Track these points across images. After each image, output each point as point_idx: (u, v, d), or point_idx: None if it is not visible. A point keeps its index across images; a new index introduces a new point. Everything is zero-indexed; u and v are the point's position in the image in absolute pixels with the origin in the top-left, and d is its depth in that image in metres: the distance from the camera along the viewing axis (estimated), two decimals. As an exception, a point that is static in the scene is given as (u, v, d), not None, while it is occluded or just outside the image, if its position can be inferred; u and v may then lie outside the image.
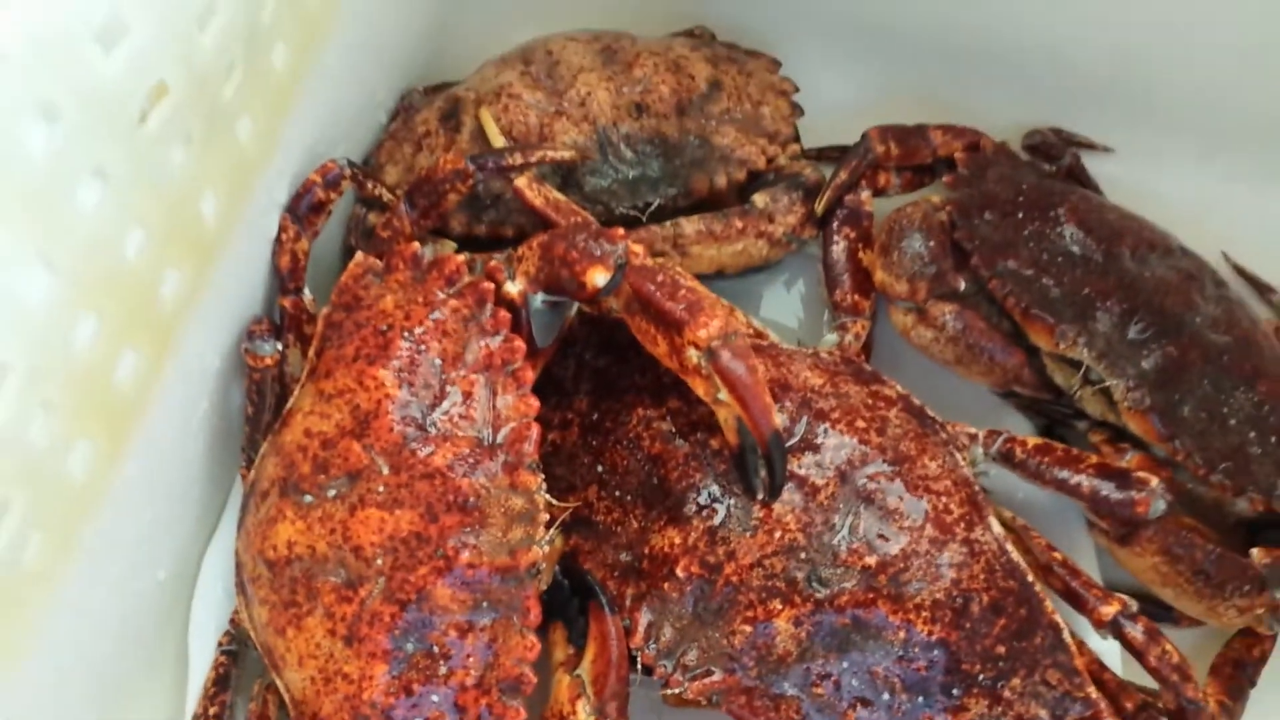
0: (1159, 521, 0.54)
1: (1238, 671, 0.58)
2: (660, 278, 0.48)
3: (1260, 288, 0.68)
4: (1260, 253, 0.70)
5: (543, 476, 0.50)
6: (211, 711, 0.53)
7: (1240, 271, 0.69)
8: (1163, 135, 0.70)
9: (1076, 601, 0.54)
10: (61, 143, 0.41)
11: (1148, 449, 0.57)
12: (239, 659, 0.54)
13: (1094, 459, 0.54)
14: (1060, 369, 0.57)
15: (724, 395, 0.48)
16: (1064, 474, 0.54)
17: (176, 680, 0.55)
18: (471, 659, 0.48)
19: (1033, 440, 0.55)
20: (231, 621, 0.54)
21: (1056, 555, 0.54)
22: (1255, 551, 0.55)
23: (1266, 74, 0.66)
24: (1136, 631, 0.52)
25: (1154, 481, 0.53)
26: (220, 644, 0.54)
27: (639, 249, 0.49)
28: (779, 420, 0.48)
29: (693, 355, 0.48)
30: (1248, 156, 0.70)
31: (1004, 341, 0.57)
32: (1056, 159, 0.68)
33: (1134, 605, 0.53)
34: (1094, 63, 0.69)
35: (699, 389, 0.49)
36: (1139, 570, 0.56)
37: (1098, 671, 0.52)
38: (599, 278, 0.49)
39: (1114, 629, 0.52)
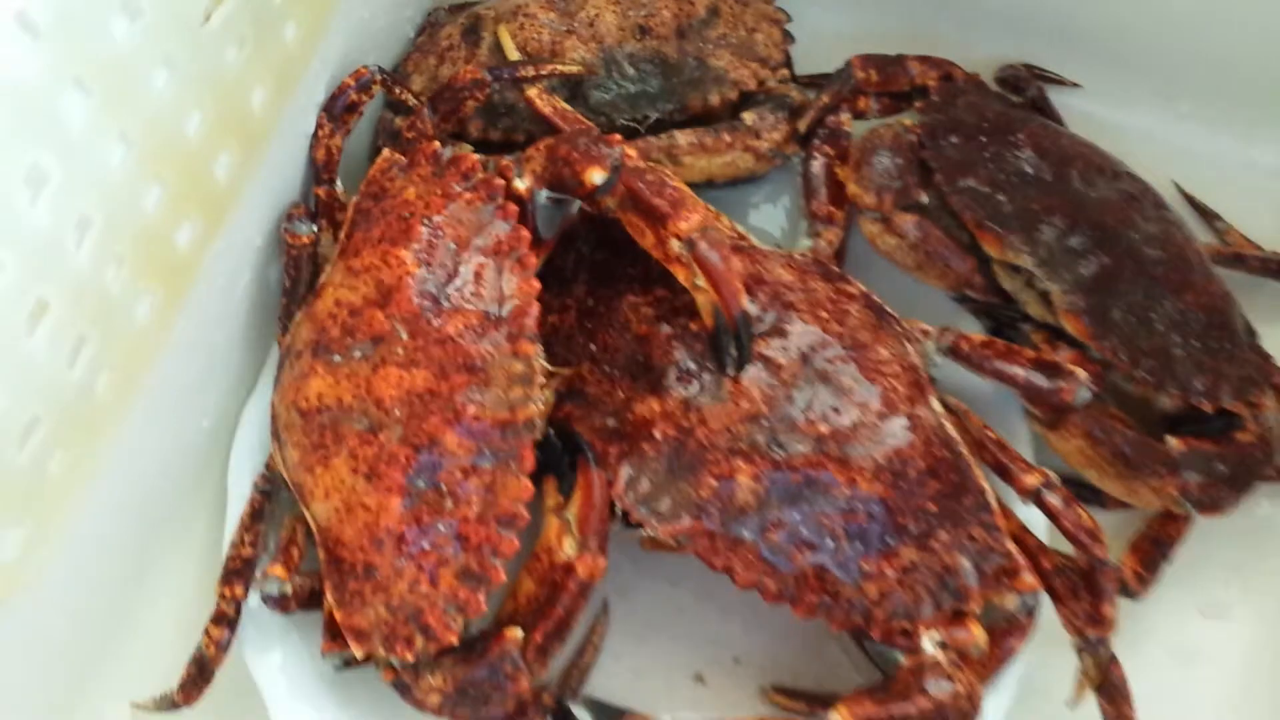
0: (1084, 409, 0.61)
1: (1154, 548, 0.65)
2: (650, 178, 0.54)
3: (1206, 214, 0.74)
4: (1208, 186, 0.75)
5: (540, 346, 0.56)
6: (247, 539, 0.59)
7: (1188, 199, 0.75)
8: (1127, 76, 0.76)
9: (1005, 473, 0.60)
10: (140, 36, 0.48)
11: (1083, 349, 0.62)
12: (271, 497, 0.61)
13: (1031, 353, 0.61)
14: (1007, 275, 0.64)
15: (701, 281, 0.54)
16: (1003, 365, 0.60)
17: (216, 515, 0.63)
18: (473, 497, 0.54)
19: (979, 337, 0.62)
20: (266, 465, 0.61)
21: (990, 434, 0.61)
22: (1169, 439, 0.61)
23: (1221, 25, 0.71)
24: (1055, 499, 0.59)
25: (1080, 372, 0.60)
26: (255, 484, 0.61)
27: (633, 152, 0.55)
28: (747, 304, 0.54)
29: (675, 245, 0.54)
30: (1203, 100, 0.76)
31: (959, 249, 0.64)
32: (1024, 92, 0.74)
33: (1055, 478, 0.59)
34: (1069, 6, 0.74)
35: (680, 276, 0.55)
36: (1066, 453, 0.62)
37: (1021, 534, 0.59)
38: (597, 176, 0.55)
39: (1035, 497, 0.59)
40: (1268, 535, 0.68)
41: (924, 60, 0.71)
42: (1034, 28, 0.75)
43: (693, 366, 0.57)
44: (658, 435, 0.56)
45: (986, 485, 0.57)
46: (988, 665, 0.58)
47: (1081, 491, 0.64)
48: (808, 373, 0.56)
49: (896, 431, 0.56)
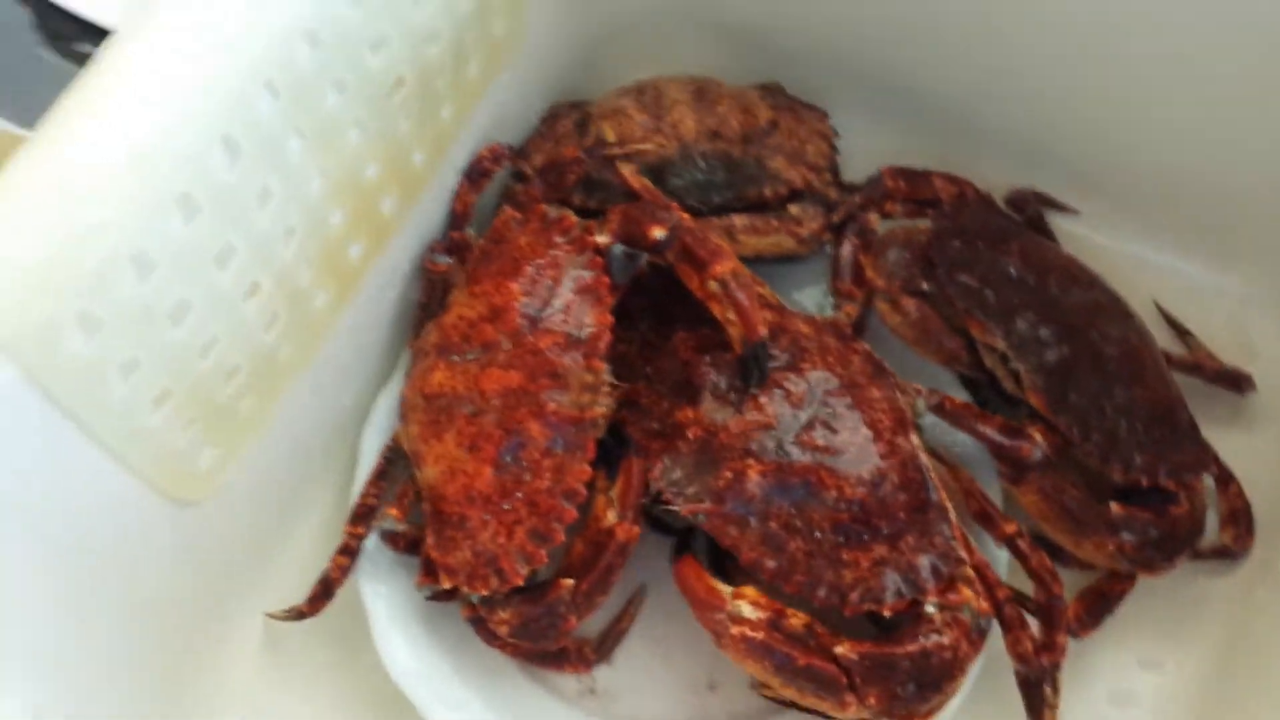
0: (1041, 472, 0.73)
1: (1099, 600, 0.75)
2: (698, 236, 0.69)
3: (1178, 329, 0.87)
4: (1183, 305, 0.88)
5: (608, 365, 0.71)
6: (371, 492, 0.73)
7: (1164, 314, 0.87)
8: (1119, 207, 0.89)
9: (986, 520, 0.72)
10: (344, 104, 0.64)
11: (1046, 423, 0.75)
12: (392, 463, 0.75)
13: (1000, 418, 0.74)
14: (988, 354, 0.77)
15: (731, 315, 0.69)
16: (977, 424, 0.74)
17: (348, 473, 0.76)
18: (546, 473, 0.68)
19: (960, 400, 0.75)
20: (392, 438, 0.75)
21: (977, 487, 0.73)
22: (1112, 505, 0.73)
23: (1200, 173, 0.84)
24: (1024, 545, 0.71)
25: (1037, 436, 0.73)
26: (382, 452, 0.75)
27: (687, 217, 0.70)
28: (764, 334, 0.69)
29: (712, 285, 0.69)
30: (1183, 232, 0.88)
31: (950, 330, 0.78)
32: (1025, 211, 0.88)
33: (1026, 530, 0.71)
34: (1074, 146, 0.87)
35: (715, 310, 0.70)
36: (1026, 506, 0.75)
37: (984, 569, 0.69)
38: (659, 233, 0.70)
39: (1009, 541, 0.71)
40: (1203, 605, 0.78)
41: (946, 177, 0.86)
42: (1044, 160, 0.89)
43: (723, 386, 0.72)
44: (690, 435, 0.70)
45: (950, 508, 0.70)
46: None
47: (1052, 553, 0.74)
48: (812, 400, 0.71)
49: (878, 452, 0.69)
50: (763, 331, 0.70)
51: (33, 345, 0.51)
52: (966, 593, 0.67)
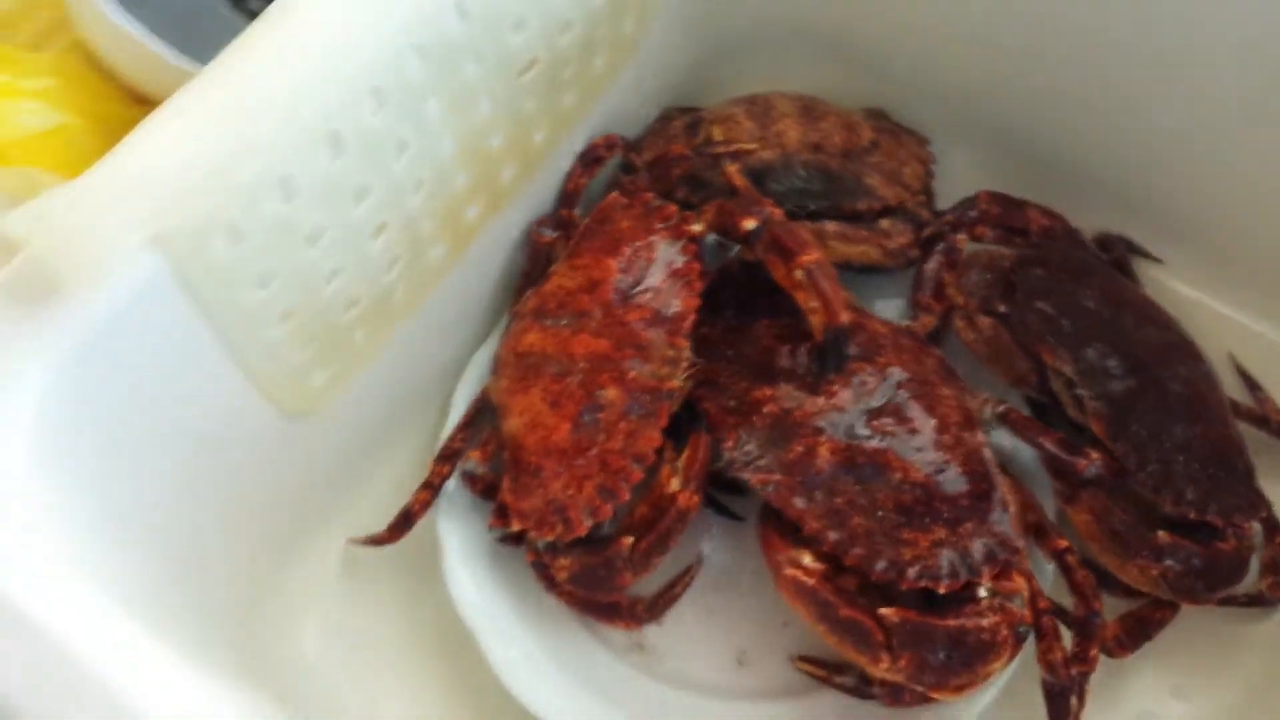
0: (1094, 492, 0.76)
1: (1139, 625, 0.77)
2: (787, 228, 0.74)
3: (1250, 382, 0.88)
4: (1259, 362, 0.89)
5: (690, 343, 0.75)
6: (459, 436, 0.78)
7: (1238, 368, 0.89)
8: (1204, 261, 0.90)
9: (1039, 532, 0.74)
10: (480, 75, 0.70)
11: (1105, 450, 0.77)
12: (480, 415, 0.78)
13: (1061, 435, 0.77)
14: (1056, 379, 0.80)
15: (814, 303, 0.73)
16: (1038, 436, 0.76)
17: (439, 418, 0.81)
18: (620, 435, 0.72)
19: (1024, 414, 0.78)
20: (482, 391, 0.79)
21: (1035, 501, 0.75)
22: (1160, 533, 0.74)
23: None
24: (1072, 560, 0.73)
25: (1094, 454, 0.75)
26: (472, 402, 0.79)
27: (779, 212, 0.75)
28: (845, 320, 0.72)
29: (798, 274, 0.72)
30: (1265, 291, 0.90)
31: (1021, 352, 0.81)
32: (1111, 251, 0.91)
33: (1076, 549, 0.74)
34: (1167, 194, 0.89)
35: (799, 298, 0.73)
36: (1077, 525, 0.76)
37: (1029, 578, 0.71)
38: (750, 225, 0.74)
39: (1059, 555, 0.73)
40: (1239, 645, 0.80)
41: (1041, 209, 0.89)
42: (1136, 208, 0.91)
43: (800, 371, 0.76)
44: (765, 412, 0.74)
45: (1011, 503, 0.72)
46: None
47: (1099, 577, 0.76)
48: (884, 389, 0.74)
49: (945, 443, 0.73)
50: (844, 318, 0.74)
51: (185, 244, 0.58)
52: (1020, 582, 0.70)
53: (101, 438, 0.58)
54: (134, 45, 0.74)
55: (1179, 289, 0.92)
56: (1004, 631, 0.68)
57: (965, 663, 0.67)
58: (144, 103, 0.60)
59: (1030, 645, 0.71)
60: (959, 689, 0.68)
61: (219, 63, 0.62)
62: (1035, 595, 0.73)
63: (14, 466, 0.52)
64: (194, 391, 0.64)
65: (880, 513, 0.71)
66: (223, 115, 0.59)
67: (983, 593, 0.69)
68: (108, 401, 0.58)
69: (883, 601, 0.69)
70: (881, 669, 0.68)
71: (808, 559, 0.70)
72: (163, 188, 0.57)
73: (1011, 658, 0.70)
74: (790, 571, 0.70)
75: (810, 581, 0.69)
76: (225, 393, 0.66)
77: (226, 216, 0.59)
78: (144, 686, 0.47)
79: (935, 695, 0.69)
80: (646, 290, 0.78)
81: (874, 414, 0.74)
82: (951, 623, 0.68)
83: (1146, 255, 0.93)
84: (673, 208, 0.82)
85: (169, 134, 0.58)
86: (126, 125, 0.59)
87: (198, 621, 0.63)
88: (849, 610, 0.68)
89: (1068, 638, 0.73)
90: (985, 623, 0.68)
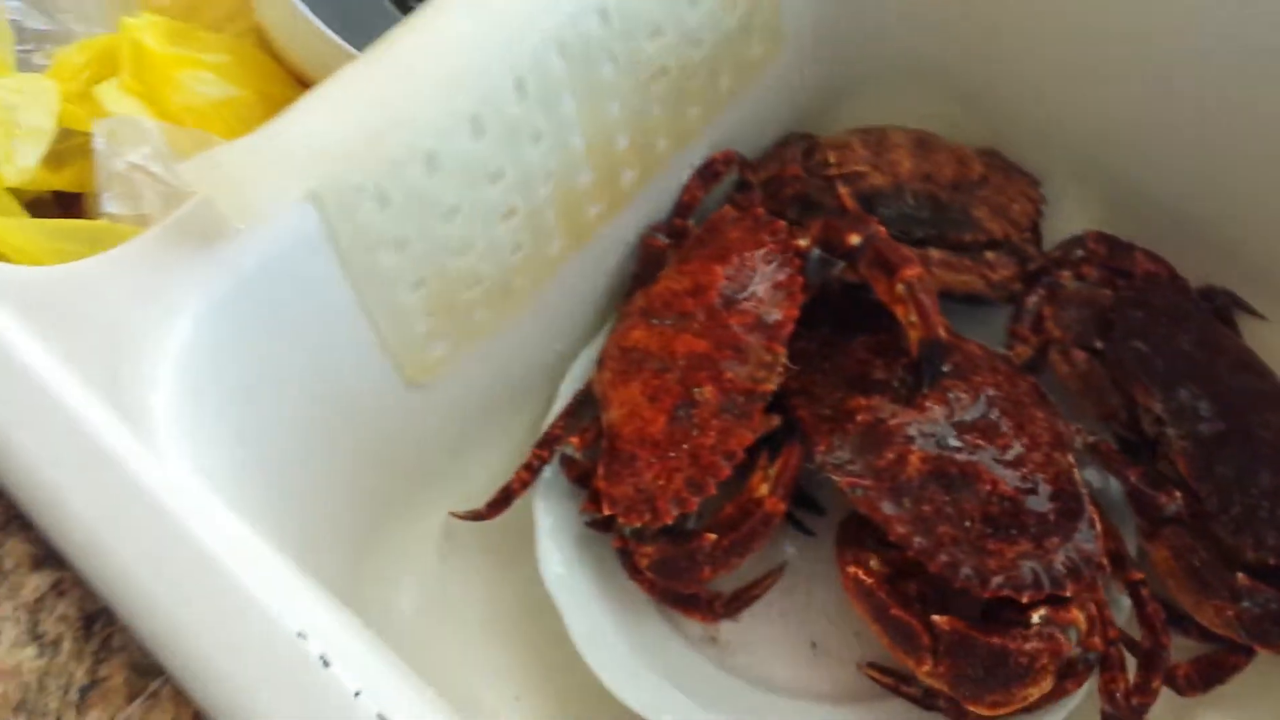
0: (1175, 530, 0.77)
1: (1212, 667, 0.77)
2: (891, 244, 0.77)
3: None
4: None
5: (786, 350, 0.79)
6: (560, 424, 0.81)
7: None
8: None
9: (1117, 561, 0.75)
10: (614, 77, 0.75)
11: (1190, 490, 0.78)
12: (582, 406, 0.82)
13: (1145, 469, 0.78)
14: (1146, 417, 0.81)
15: (913, 317, 0.75)
16: (1124, 469, 0.78)
17: (544, 406, 0.86)
18: (713, 432, 0.75)
19: (1112, 446, 0.80)
20: (586, 385, 0.83)
21: (1114, 528, 0.76)
22: (1239, 575, 0.75)
23: None
24: (1146, 593, 0.74)
25: (1176, 492, 0.77)
26: (577, 393, 0.83)
27: (882, 230, 0.78)
28: (943, 334, 0.75)
29: (899, 288, 0.74)
30: None
31: (1113, 388, 0.82)
32: (1214, 301, 0.91)
33: (1149, 583, 0.75)
34: (1273, 251, 0.90)
35: (899, 312, 0.75)
36: (1156, 562, 0.77)
37: (1103, 606, 0.73)
38: (855, 240, 0.77)
39: (1133, 586, 0.74)
40: None
41: (1147, 253, 0.90)
42: (1242, 261, 0.92)
43: (895, 385, 0.79)
44: (858, 420, 0.77)
45: (1098, 523, 0.74)
46: (1051, 694, 0.71)
47: (1172, 616, 0.77)
48: (978, 406, 0.77)
49: (1035, 460, 0.75)
50: (942, 332, 0.76)
51: (337, 202, 0.63)
52: (1078, 615, 0.71)
53: (245, 371, 0.64)
54: (306, 31, 0.81)
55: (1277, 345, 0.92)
56: (1044, 659, 0.69)
57: (1002, 681, 0.69)
58: (308, 86, 0.66)
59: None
60: (994, 705, 0.70)
61: (378, 47, 0.68)
62: (1106, 624, 0.74)
63: (166, 383, 0.58)
64: (329, 344, 0.70)
65: (967, 522, 0.73)
66: (379, 92, 0.65)
67: (1036, 619, 0.71)
68: (255, 338, 0.64)
69: (940, 612, 0.71)
70: (924, 671, 0.70)
71: (874, 562, 0.73)
72: (321, 150, 0.62)
73: (1080, 684, 0.72)
74: (853, 569, 0.73)
75: (869, 581, 0.72)
76: (355, 350, 0.72)
77: (375, 182, 0.64)
78: (260, 581, 0.51)
79: (972, 708, 0.71)
80: (750, 298, 0.82)
81: (966, 428, 0.76)
82: (995, 640, 0.69)
83: (1250, 310, 0.93)
84: (781, 223, 0.85)
85: (330, 105, 0.64)
86: (291, 103, 0.65)
87: (311, 558, 0.68)
88: (899, 611, 0.71)
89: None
90: (1028, 646, 0.69)
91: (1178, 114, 0.90)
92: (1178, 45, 0.86)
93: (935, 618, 0.70)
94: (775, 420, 0.80)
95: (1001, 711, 0.70)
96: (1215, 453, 0.79)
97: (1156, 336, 0.84)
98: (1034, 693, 0.70)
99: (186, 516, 0.53)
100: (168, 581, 0.51)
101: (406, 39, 0.68)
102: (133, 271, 0.60)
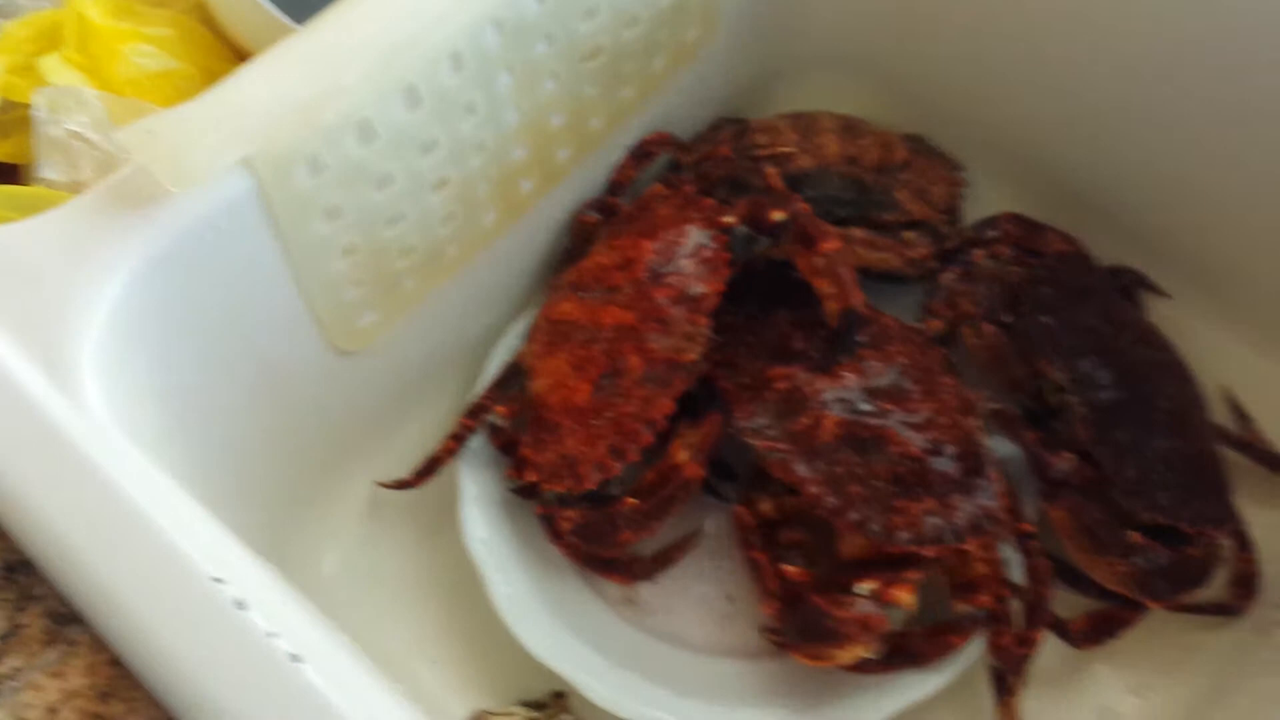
0: (1073, 493, 0.80)
1: (1105, 621, 0.80)
2: (813, 220, 0.80)
3: (1241, 413, 0.92)
4: (1253, 396, 0.93)
5: (710, 322, 0.79)
6: (487, 395, 0.83)
7: (1230, 400, 0.93)
8: (1208, 299, 0.95)
9: (1013, 517, 0.78)
10: (548, 56, 0.77)
11: (1088, 455, 0.82)
12: (510, 377, 0.84)
13: (1043, 435, 0.82)
14: (1049, 387, 0.85)
15: (831, 290, 0.78)
16: (1023, 433, 0.82)
17: (467, 384, 0.88)
18: (635, 401, 0.77)
19: (1014, 412, 0.83)
20: (515, 357, 0.85)
21: (1012, 488, 0.79)
22: (1130, 533, 0.79)
23: None
24: (1036, 545, 0.78)
25: (1069, 455, 0.81)
26: (504, 364, 0.85)
27: (807, 207, 0.81)
28: (859, 304, 0.78)
29: (819, 261, 0.78)
30: (1265, 330, 0.94)
31: (1019, 360, 0.86)
32: (1120, 279, 0.95)
33: (1040, 538, 0.78)
34: (1175, 233, 0.94)
35: (818, 285, 0.78)
36: (1054, 522, 0.80)
37: (997, 565, 0.77)
38: (779, 216, 0.80)
39: (1022, 541, 0.78)
40: (1199, 652, 0.83)
41: (1058, 232, 0.95)
42: (1152, 244, 0.96)
43: (813, 353, 0.82)
44: (776, 387, 0.80)
45: (999, 483, 0.77)
46: (938, 649, 0.76)
47: (1070, 576, 0.81)
48: (889, 374, 0.80)
49: (942, 424, 0.78)
50: (857, 301, 0.79)
51: (271, 168, 0.65)
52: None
53: (175, 332, 0.65)
54: (248, 5, 0.83)
55: (1182, 320, 0.96)
56: (852, 629, 0.72)
57: (814, 638, 0.74)
58: (248, 60, 0.68)
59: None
60: (808, 657, 0.74)
61: (317, 20, 0.70)
62: (1001, 582, 0.78)
63: (94, 341, 0.59)
64: (259, 309, 0.71)
65: (876, 482, 0.76)
66: (315, 61, 0.67)
67: (863, 591, 0.74)
68: (186, 301, 0.65)
69: (816, 564, 0.76)
70: (765, 612, 0.77)
71: (765, 505, 0.79)
72: (257, 118, 0.64)
73: (964, 638, 0.76)
74: (740, 510, 0.80)
75: (748, 521, 0.79)
76: (285, 317, 0.73)
77: (309, 149, 0.66)
78: (178, 528, 0.53)
79: (793, 655, 0.75)
80: (676, 272, 0.84)
81: (878, 394, 0.80)
82: (818, 601, 0.74)
83: (1155, 289, 0.98)
84: (710, 200, 0.88)
85: (267, 74, 0.66)
86: (230, 77, 0.66)
87: (235, 516, 0.69)
88: (758, 554, 0.78)
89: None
90: (839, 614, 0.73)
91: (1090, 105, 0.94)
92: (1087, 40, 0.90)
93: (785, 566, 0.75)
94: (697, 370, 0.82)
95: (816, 664, 0.74)
96: (1113, 419, 0.83)
97: (1063, 311, 0.88)
98: (843, 655, 0.72)
99: (108, 468, 0.54)
100: (88, 530, 0.52)
101: (347, 13, 0.70)
102: (65, 234, 0.61)
